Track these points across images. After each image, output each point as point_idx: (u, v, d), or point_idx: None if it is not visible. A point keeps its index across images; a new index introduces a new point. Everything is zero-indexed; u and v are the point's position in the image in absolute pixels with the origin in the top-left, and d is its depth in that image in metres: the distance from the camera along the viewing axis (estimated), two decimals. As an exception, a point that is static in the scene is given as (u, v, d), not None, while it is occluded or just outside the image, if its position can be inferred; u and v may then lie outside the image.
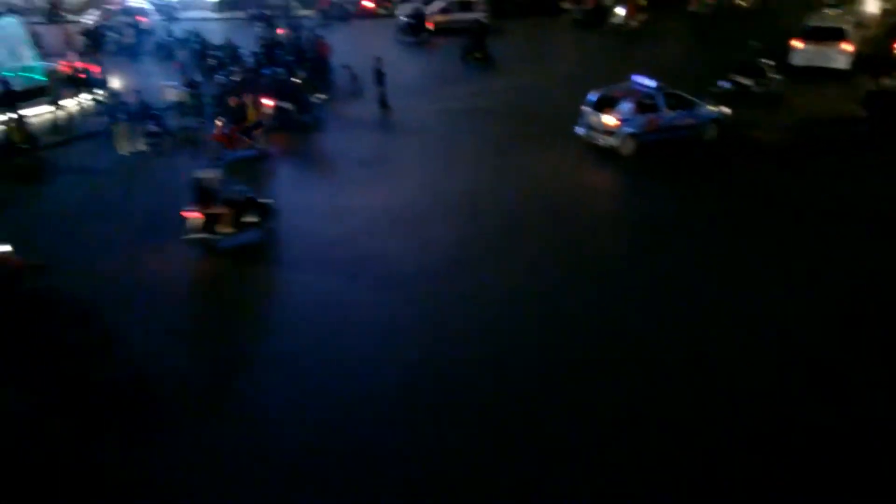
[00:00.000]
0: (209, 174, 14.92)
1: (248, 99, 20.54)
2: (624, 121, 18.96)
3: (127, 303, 13.07)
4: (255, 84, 23.58)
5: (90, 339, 12.10)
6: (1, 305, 12.26)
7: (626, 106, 19.07)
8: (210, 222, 14.55)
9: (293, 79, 23.21)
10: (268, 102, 22.06)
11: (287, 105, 22.12)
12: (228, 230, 14.73)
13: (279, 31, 30.36)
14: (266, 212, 15.20)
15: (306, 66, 25.40)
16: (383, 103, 23.74)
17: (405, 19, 33.48)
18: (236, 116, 19.91)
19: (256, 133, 19.83)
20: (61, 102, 23.52)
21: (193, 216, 14.50)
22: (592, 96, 19.82)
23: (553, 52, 31.18)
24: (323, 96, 23.72)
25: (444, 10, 34.31)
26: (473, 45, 29.29)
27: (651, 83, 19.63)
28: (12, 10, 36.20)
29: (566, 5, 37.16)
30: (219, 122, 19.62)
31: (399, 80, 25.17)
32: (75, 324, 12.45)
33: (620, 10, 33.76)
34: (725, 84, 23.30)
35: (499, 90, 25.52)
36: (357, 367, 11.25)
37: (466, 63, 29.01)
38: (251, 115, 20.07)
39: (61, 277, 13.32)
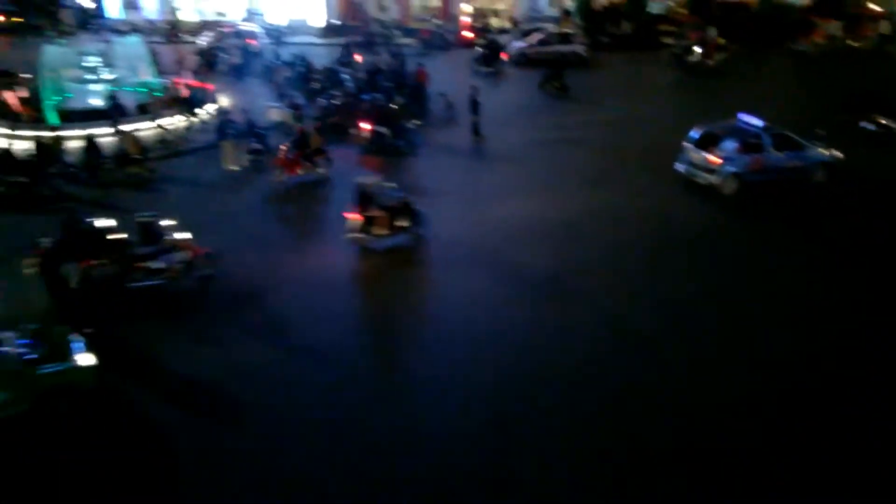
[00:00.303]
0: (370, 180, 16.19)
1: (310, 127, 21.04)
2: (727, 159, 18.37)
3: (293, 290, 14.30)
4: (353, 108, 24.28)
5: (264, 320, 13.31)
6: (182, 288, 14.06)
7: (730, 144, 18.49)
8: (368, 224, 15.67)
9: (391, 104, 23.68)
10: (365, 126, 22.61)
11: (383, 129, 22.57)
12: (384, 232, 15.80)
13: (357, 58, 31.13)
14: (417, 217, 16.07)
15: (404, 93, 25.88)
16: (476, 131, 23.88)
17: (480, 49, 33.73)
18: (300, 142, 20.30)
19: (318, 159, 20.25)
20: (173, 117, 24.82)
21: (354, 218, 15.59)
22: (695, 133, 19.32)
23: (649, 86, 30.69)
24: (418, 122, 24.11)
25: (542, 42, 34.40)
26: (552, 75, 29.40)
27: (757, 122, 18.97)
28: (136, 30, 38.81)
29: (668, 40, 36.59)
30: (282, 147, 20.12)
31: (492, 109, 25.26)
32: (248, 306, 13.72)
33: (698, 48, 33.08)
34: (869, 126, 22.31)
35: (592, 122, 25.24)
36: (499, 345, 12.47)
37: (543, 91, 29.06)
38: (314, 142, 20.42)
39: (227, 268, 14.72)
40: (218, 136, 21.63)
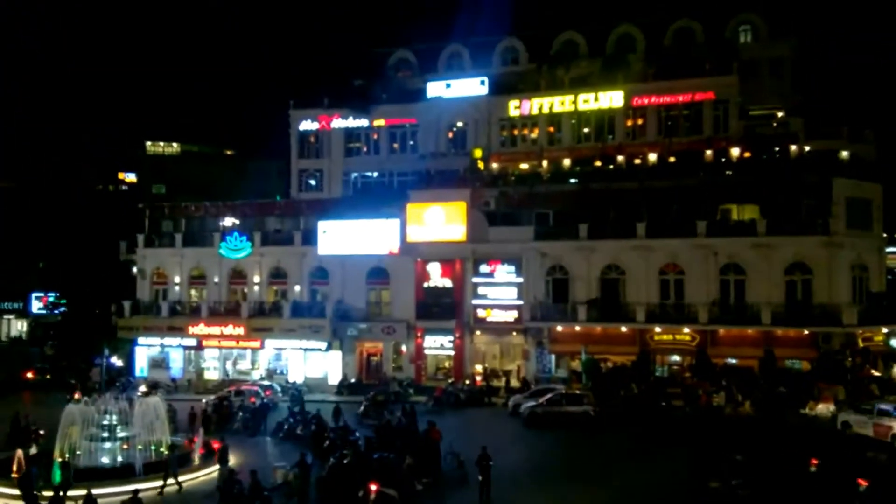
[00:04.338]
0: None
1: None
2: None
3: None
4: (363, 467, 23.96)
5: None
6: None
7: None
8: None
9: (400, 464, 23.38)
10: (372, 487, 22.04)
11: (390, 491, 21.93)
12: None
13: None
14: None
15: (415, 451, 25.69)
16: (484, 495, 23.03)
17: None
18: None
19: None
20: (181, 478, 24.50)
21: None
22: None
23: (660, 453, 30.00)
24: (427, 481, 23.60)
25: (552, 402, 35.02)
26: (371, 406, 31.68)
27: None
28: (158, 387, 40.39)
29: (677, 402, 37.16)
30: None
31: (504, 469, 24.68)
32: None
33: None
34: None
35: (616, 487, 24.30)
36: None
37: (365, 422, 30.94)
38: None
39: None
40: (221, 497, 21.07)
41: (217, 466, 25.37)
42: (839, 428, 30.85)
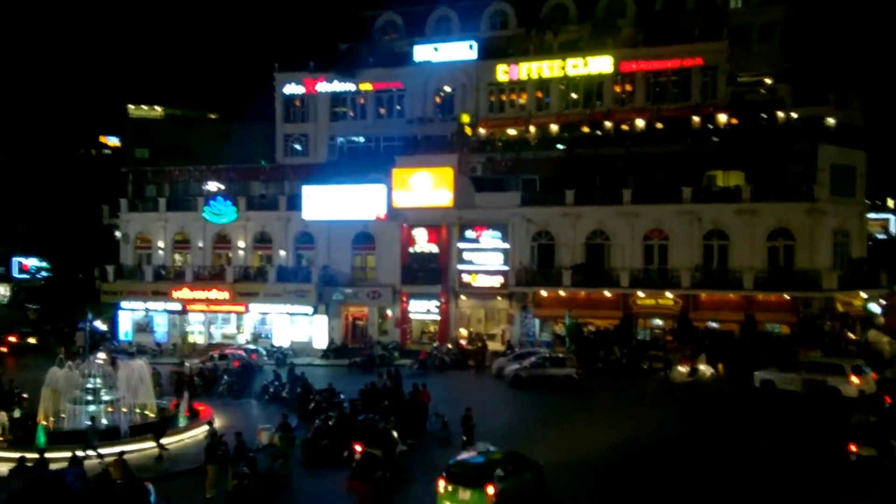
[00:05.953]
0: None
1: None
2: None
3: None
4: (347, 429, 24.14)
5: None
6: None
7: None
8: None
9: (385, 425, 23.53)
10: (357, 448, 22.24)
11: (375, 451, 22.11)
12: None
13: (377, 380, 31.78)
14: None
15: (400, 413, 25.85)
16: (467, 454, 23.36)
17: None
18: None
19: None
20: (167, 439, 24.60)
21: None
22: None
23: (638, 411, 30.58)
24: (413, 442, 23.77)
25: (535, 365, 35.36)
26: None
27: None
28: (143, 352, 40.34)
29: (658, 365, 37.60)
30: None
31: (488, 429, 24.97)
32: None
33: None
34: None
35: (597, 444, 24.69)
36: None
37: None
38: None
39: None
40: (205, 459, 21.17)
41: (205, 427, 25.48)
42: (758, 386, 31.64)
